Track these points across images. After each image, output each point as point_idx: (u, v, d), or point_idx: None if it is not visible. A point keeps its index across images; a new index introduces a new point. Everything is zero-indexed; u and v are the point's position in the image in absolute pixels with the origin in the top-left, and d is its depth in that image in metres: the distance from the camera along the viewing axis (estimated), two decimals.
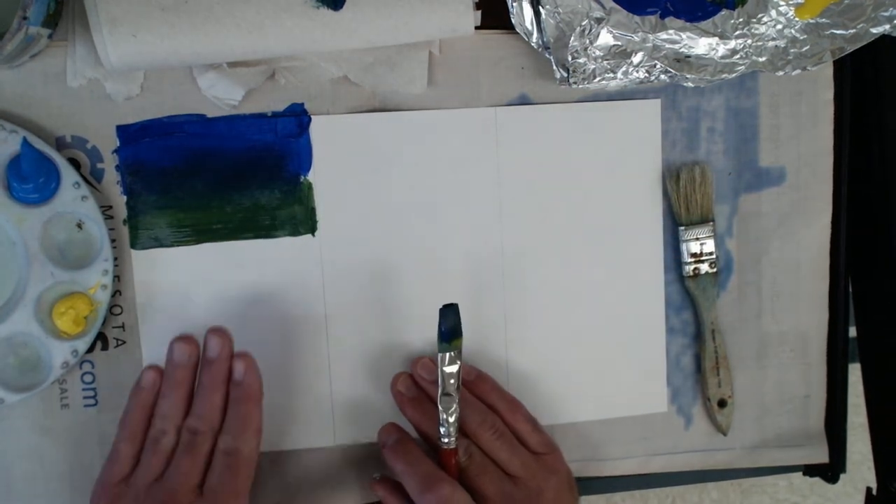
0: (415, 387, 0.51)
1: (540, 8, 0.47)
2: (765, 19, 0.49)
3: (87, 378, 0.50)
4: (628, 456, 0.55)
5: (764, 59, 0.50)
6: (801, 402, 0.57)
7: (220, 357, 0.47)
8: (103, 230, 0.47)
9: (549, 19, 0.48)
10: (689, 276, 0.54)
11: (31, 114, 0.47)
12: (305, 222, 0.50)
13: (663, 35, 0.48)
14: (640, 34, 0.48)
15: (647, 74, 0.49)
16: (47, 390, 0.49)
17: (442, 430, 0.46)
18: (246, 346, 0.50)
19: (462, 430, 0.48)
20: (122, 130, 0.48)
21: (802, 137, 0.54)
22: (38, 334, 0.46)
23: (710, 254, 0.53)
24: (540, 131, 0.52)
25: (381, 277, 0.52)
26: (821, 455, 0.57)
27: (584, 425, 0.55)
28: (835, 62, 0.53)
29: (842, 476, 0.58)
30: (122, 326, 0.50)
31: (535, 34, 0.48)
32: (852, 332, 0.57)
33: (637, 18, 0.48)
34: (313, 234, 0.51)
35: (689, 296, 0.55)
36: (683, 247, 0.53)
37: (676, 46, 0.49)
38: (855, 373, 0.58)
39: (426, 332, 0.52)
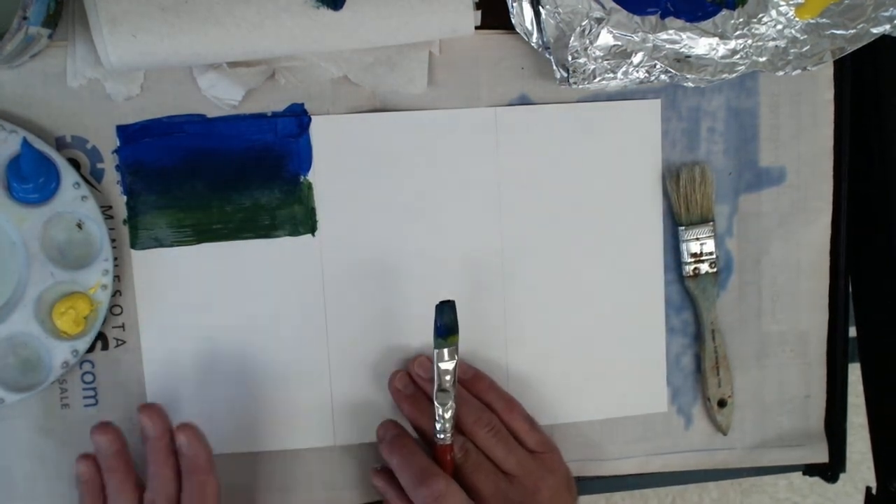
0: (412, 384, 0.51)
1: (540, 8, 0.47)
2: (765, 19, 0.49)
3: (88, 378, 0.50)
4: (628, 456, 0.55)
5: (764, 59, 0.50)
6: (801, 401, 0.57)
7: (157, 434, 0.47)
8: (103, 230, 0.47)
9: (549, 19, 0.48)
10: (689, 276, 0.54)
11: (31, 114, 0.47)
12: (305, 222, 0.50)
13: (663, 35, 0.48)
14: (640, 34, 0.48)
15: (647, 74, 0.49)
16: (47, 390, 0.49)
17: (437, 426, 0.47)
18: (245, 347, 0.51)
19: (458, 427, 0.48)
20: (122, 130, 0.48)
21: (802, 137, 0.54)
22: (38, 334, 0.46)
23: (711, 254, 0.53)
24: (540, 131, 0.52)
25: (380, 277, 0.52)
26: (821, 455, 0.57)
27: (584, 425, 0.55)
28: (835, 62, 0.53)
29: (842, 476, 0.58)
30: (122, 326, 0.50)
31: (535, 34, 0.48)
32: (852, 331, 0.57)
33: (637, 18, 0.48)
34: (313, 234, 0.51)
35: (689, 296, 0.55)
36: (683, 247, 0.53)
37: (676, 46, 0.49)
38: (855, 373, 0.58)
39: (426, 332, 0.52)
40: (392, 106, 0.50)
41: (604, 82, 0.49)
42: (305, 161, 0.50)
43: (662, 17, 0.49)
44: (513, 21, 0.48)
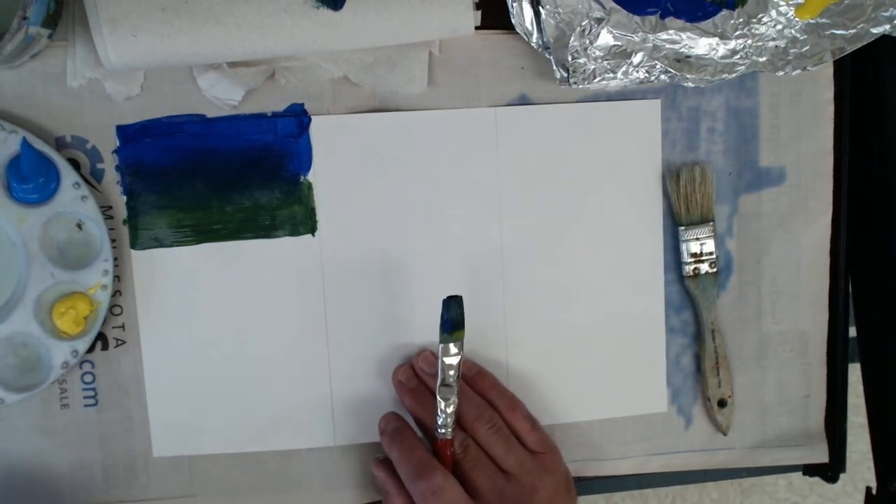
0: (415, 378, 0.51)
1: (540, 8, 0.47)
2: (765, 19, 0.49)
3: (87, 378, 0.50)
4: (628, 456, 0.55)
5: (764, 59, 0.50)
6: (801, 401, 0.57)
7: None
8: (103, 230, 0.47)
9: (549, 19, 0.48)
10: (689, 277, 0.54)
11: (31, 114, 0.47)
12: (305, 222, 0.50)
13: (663, 35, 0.48)
14: (640, 34, 0.48)
15: (647, 75, 0.49)
16: (47, 390, 0.49)
17: (439, 420, 0.47)
18: (245, 347, 0.51)
19: (459, 423, 0.49)
20: (122, 130, 0.48)
21: (803, 137, 0.54)
22: (38, 334, 0.46)
23: (711, 254, 0.53)
24: (540, 131, 0.52)
25: (380, 277, 0.52)
26: (821, 455, 0.57)
27: (584, 425, 0.55)
28: (835, 62, 0.53)
29: (842, 476, 0.58)
30: (122, 326, 0.50)
31: (535, 34, 0.48)
32: (852, 331, 0.57)
33: (637, 18, 0.48)
34: (313, 235, 0.51)
35: (689, 296, 0.55)
36: (683, 247, 0.53)
37: (676, 47, 0.49)
38: (855, 373, 0.58)
39: (426, 332, 0.52)
40: (392, 106, 0.50)
41: (604, 82, 0.49)
42: (305, 161, 0.50)
43: (662, 17, 0.49)
44: (513, 21, 0.48)
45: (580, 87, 0.48)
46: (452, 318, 0.46)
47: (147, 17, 0.43)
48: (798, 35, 0.49)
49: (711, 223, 0.53)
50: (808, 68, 0.50)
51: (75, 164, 0.48)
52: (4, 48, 0.41)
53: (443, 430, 0.47)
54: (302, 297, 0.51)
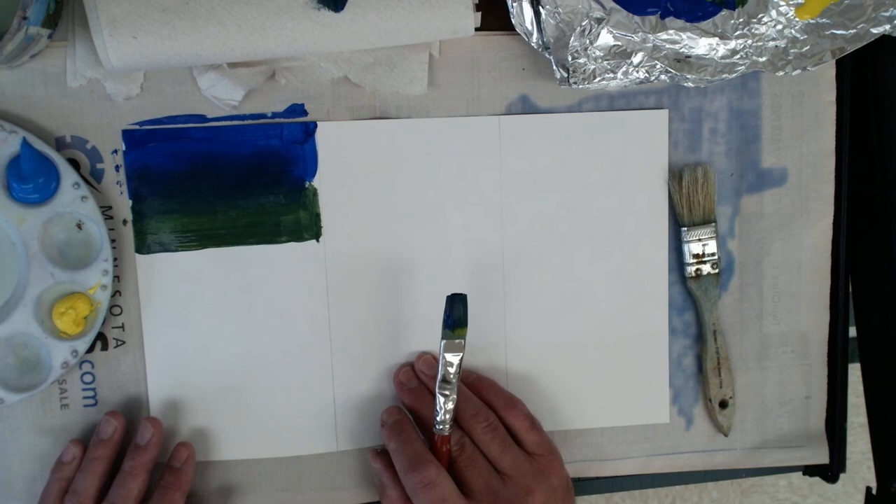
0: (416, 379, 0.51)
1: (540, 8, 0.47)
2: (765, 19, 0.49)
3: (87, 378, 0.50)
4: (629, 456, 0.55)
5: (764, 59, 0.50)
6: (802, 402, 0.57)
7: (148, 445, 0.48)
8: (103, 230, 0.47)
9: (549, 19, 0.48)
10: (691, 277, 0.54)
11: (31, 114, 0.47)
12: (310, 228, 0.50)
13: (663, 35, 0.48)
14: (640, 34, 0.48)
15: (647, 75, 0.49)
16: (47, 390, 0.49)
17: (437, 416, 0.47)
18: (249, 352, 0.51)
19: (457, 421, 0.49)
20: (129, 135, 0.48)
21: (804, 139, 0.54)
22: (38, 334, 0.46)
23: (712, 255, 0.53)
24: (544, 140, 0.52)
25: (384, 283, 0.51)
26: (821, 455, 0.57)
27: (586, 428, 0.55)
28: (837, 64, 0.53)
29: (842, 476, 0.58)
30: (122, 327, 0.50)
31: (535, 34, 0.48)
32: (852, 332, 0.57)
33: (637, 18, 0.48)
34: (318, 240, 0.51)
35: (691, 297, 0.54)
36: (686, 248, 0.53)
37: (676, 47, 0.49)
38: (855, 373, 0.58)
39: (430, 338, 0.52)
40: (392, 107, 0.50)
41: (604, 82, 0.49)
42: (311, 167, 0.50)
43: (662, 17, 0.48)
44: (513, 21, 0.48)
45: (580, 87, 0.48)
46: (455, 315, 0.46)
47: (147, 18, 0.42)
48: (798, 35, 0.49)
49: (713, 224, 0.53)
50: (809, 68, 0.50)
51: (75, 164, 0.48)
52: (4, 48, 0.41)
53: (440, 427, 0.47)
54: (306, 302, 0.51)
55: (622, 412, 0.55)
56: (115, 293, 0.49)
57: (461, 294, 0.47)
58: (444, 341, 0.46)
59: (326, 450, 0.52)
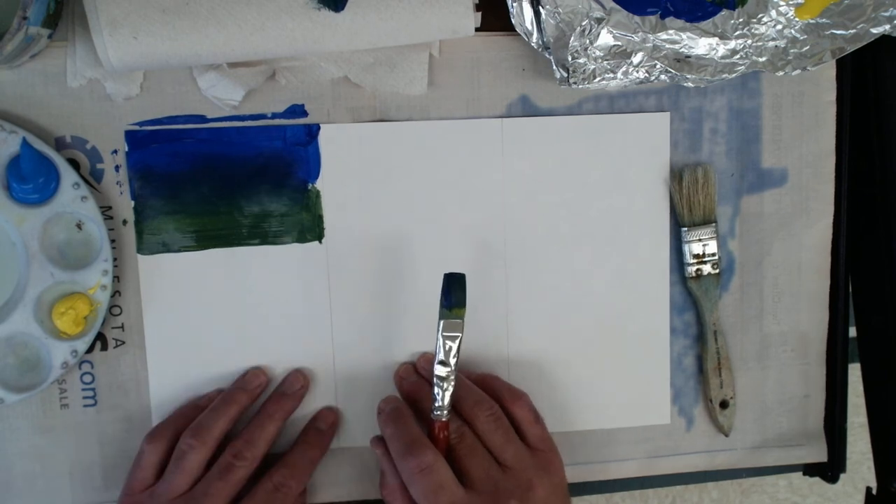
0: (416, 374, 0.51)
1: (540, 8, 0.47)
2: (765, 19, 0.49)
3: (87, 378, 0.50)
4: (630, 458, 0.55)
5: (764, 59, 0.50)
6: (801, 401, 0.57)
7: (294, 394, 0.50)
8: (103, 230, 0.47)
9: (549, 19, 0.48)
10: (692, 278, 0.54)
11: (31, 114, 0.47)
12: (313, 229, 0.50)
13: (663, 35, 0.48)
14: (640, 34, 0.48)
15: (647, 75, 0.49)
16: (47, 390, 0.49)
17: (435, 401, 0.45)
18: (250, 353, 0.51)
19: (458, 411, 0.48)
20: (131, 136, 0.48)
21: (804, 139, 0.54)
22: (38, 334, 0.46)
23: (713, 255, 0.53)
24: (546, 142, 0.52)
25: (386, 284, 0.51)
26: (820, 454, 0.57)
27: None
28: (837, 64, 0.53)
29: (842, 476, 0.58)
30: (122, 327, 0.50)
31: (535, 34, 0.48)
32: (852, 332, 0.57)
33: (637, 18, 0.48)
34: (320, 241, 0.51)
35: (692, 297, 0.54)
36: (686, 248, 0.53)
37: (676, 46, 0.49)
38: (855, 373, 0.58)
39: (432, 339, 0.52)
40: (392, 107, 0.50)
41: (604, 82, 0.49)
42: (314, 169, 0.50)
43: (662, 17, 0.48)
44: (513, 21, 0.48)
45: (580, 87, 0.48)
46: (454, 294, 0.45)
47: (148, 18, 0.42)
48: (798, 35, 0.49)
49: (714, 224, 0.53)
50: (808, 68, 0.50)
51: (75, 165, 0.48)
52: (4, 48, 0.41)
53: (438, 413, 0.46)
54: (308, 303, 0.51)
55: (623, 413, 0.55)
56: (115, 293, 0.49)
57: (459, 273, 0.45)
58: (441, 321, 0.45)
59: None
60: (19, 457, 0.50)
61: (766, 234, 0.55)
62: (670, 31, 0.48)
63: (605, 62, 0.48)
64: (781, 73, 0.50)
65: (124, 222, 0.49)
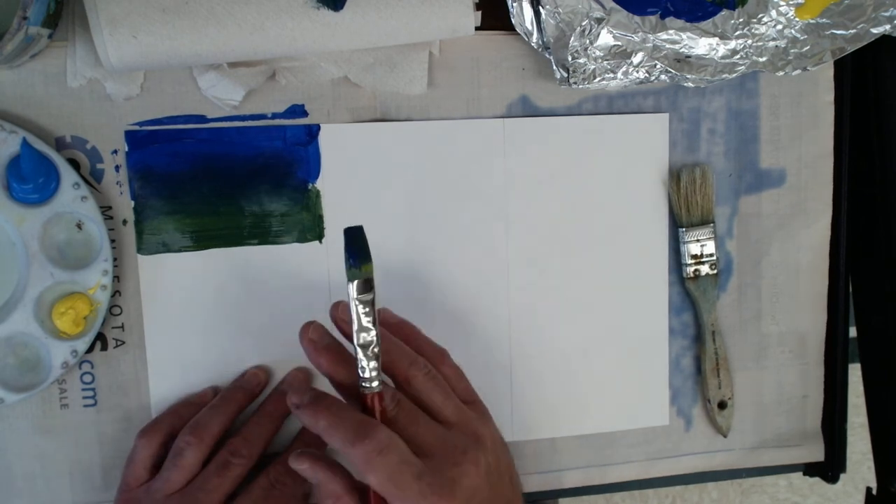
0: (329, 335, 0.44)
1: (540, 8, 0.47)
2: (765, 19, 0.49)
3: (87, 378, 0.50)
4: (630, 460, 0.55)
5: (764, 59, 0.50)
6: (799, 401, 0.57)
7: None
8: (103, 230, 0.47)
9: (549, 19, 0.48)
10: (690, 278, 0.54)
11: (31, 114, 0.47)
12: (313, 229, 0.50)
13: (663, 35, 0.48)
14: (640, 34, 0.48)
15: (647, 75, 0.49)
16: (47, 390, 0.49)
17: (363, 372, 0.40)
18: (251, 353, 0.51)
19: (390, 375, 0.43)
20: (131, 136, 0.48)
21: (803, 139, 0.54)
22: (38, 334, 0.46)
23: (711, 255, 0.53)
24: (547, 143, 0.52)
25: (386, 285, 0.51)
26: (818, 454, 0.57)
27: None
28: (836, 64, 0.53)
29: (842, 476, 0.58)
30: (122, 327, 0.50)
31: (536, 34, 0.48)
32: (852, 332, 0.57)
33: (637, 18, 0.48)
34: (320, 241, 0.51)
35: (690, 297, 0.54)
36: (684, 248, 0.53)
37: (677, 47, 0.49)
38: (855, 373, 0.58)
39: (433, 339, 0.52)
40: (392, 107, 0.50)
41: (604, 82, 0.49)
42: (314, 169, 0.50)
43: (662, 17, 0.49)
44: (513, 21, 0.48)
45: (580, 87, 0.48)
46: (358, 249, 0.40)
47: (147, 18, 0.42)
48: (798, 35, 0.49)
49: (712, 225, 0.53)
50: (809, 68, 0.50)
51: (75, 165, 0.48)
52: (4, 48, 0.41)
53: (368, 384, 0.40)
54: (308, 302, 0.51)
55: (622, 415, 0.55)
56: (115, 293, 0.49)
57: (356, 226, 0.41)
58: (351, 283, 0.39)
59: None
60: (19, 457, 0.50)
61: (765, 234, 0.55)
62: (670, 31, 0.48)
63: (605, 62, 0.48)
64: (781, 74, 0.50)
65: (124, 222, 0.49)
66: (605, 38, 0.48)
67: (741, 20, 0.49)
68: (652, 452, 0.56)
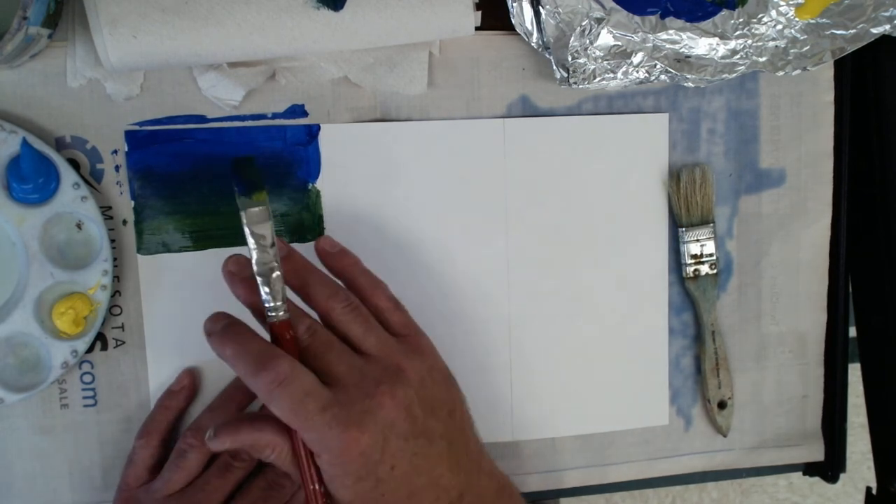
0: (250, 268, 0.41)
1: (540, 8, 0.47)
2: (765, 19, 0.49)
3: (87, 378, 0.50)
4: (630, 460, 0.55)
5: (764, 59, 0.50)
6: (799, 401, 0.57)
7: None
8: (103, 230, 0.47)
9: (549, 19, 0.48)
10: (690, 278, 0.54)
11: (31, 114, 0.47)
12: (313, 229, 0.50)
13: (663, 35, 0.48)
14: (640, 34, 0.48)
15: (647, 75, 0.49)
16: (47, 390, 0.49)
17: (266, 301, 0.39)
18: None
19: (311, 305, 0.43)
20: (131, 136, 0.48)
21: (803, 139, 0.54)
22: (38, 334, 0.46)
23: (711, 255, 0.53)
24: (547, 143, 0.52)
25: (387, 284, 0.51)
26: (817, 453, 0.57)
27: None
28: (836, 64, 0.53)
29: (842, 476, 0.58)
30: (122, 327, 0.50)
31: (536, 34, 0.48)
32: (852, 332, 0.57)
33: (637, 18, 0.48)
34: None
35: (690, 297, 0.54)
36: (684, 248, 0.53)
37: (677, 47, 0.49)
38: (855, 373, 0.58)
39: (433, 339, 0.52)
40: (392, 107, 0.50)
41: (604, 82, 0.49)
42: (314, 169, 0.50)
43: (662, 17, 0.49)
44: (513, 21, 0.48)
45: (580, 87, 0.48)
46: (247, 178, 0.40)
47: (147, 17, 0.42)
48: (798, 35, 0.49)
49: (712, 224, 0.53)
50: (808, 68, 0.50)
51: (75, 165, 0.48)
52: (4, 48, 0.41)
53: (274, 313, 0.39)
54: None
55: (622, 415, 0.55)
56: (115, 293, 0.49)
57: (246, 157, 0.41)
58: (244, 212, 0.39)
59: None
60: (19, 457, 0.50)
61: (765, 234, 0.55)
62: (670, 31, 0.48)
63: (605, 62, 0.48)
64: (781, 73, 0.50)
65: (124, 222, 0.49)
66: (605, 38, 0.48)
67: (741, 20, 0.49)
68: (652, 452, 0.56)
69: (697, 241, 0.53)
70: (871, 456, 0.57)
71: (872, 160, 0.54)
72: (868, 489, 0.57)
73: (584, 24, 0.47)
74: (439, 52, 0.50)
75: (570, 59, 0.48)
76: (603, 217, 0.53)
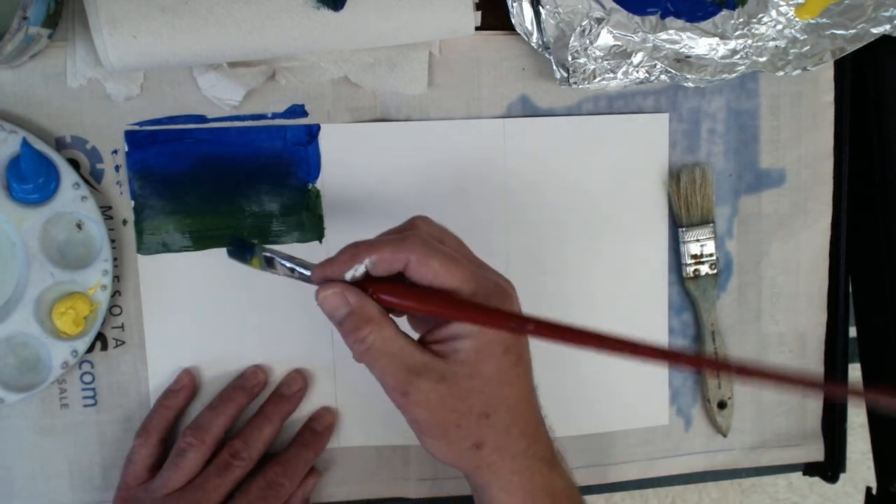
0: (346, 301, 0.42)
1: (540, 8, 0.47)
2: (765, 19, 0.49)
3: (87, 378, 0.50)
4: (630, 460, 0.55)
5: (764, 59, 0.50)
6: (799, 402, 0.57)
7: (292, 396, 0.50)
8: (103, 230, 0.47)
9: (549, 19, 0.48)
10: (690, 278, 0.54)
11: (31, 114, 0.47)
12: (313, 229, 0.50)
13: (663, 35, 0.48)
14: (640, 34, 0.48)
15: (647, 75, 0.49)
16: (47, 390, 0.49)
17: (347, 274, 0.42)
18: (251, 352, 0.51)
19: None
20: (131, 136, 0.48)
21: (803, 139, 0.54)
22: (38, 334, 0.46)
23: (711, 255, 0.53)
24: (547, 143, 0.52)
25: None
26: (817, 453, 0.57)
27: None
28: (836, 64, 0.53)
29: (842, 476, 0.58)
30: (122, 327, 0.50)
31: (535, 34, 0.48)
32: (852, 332, 0.57)
33: (637, 18, 0.48)
34: (320, 241, 0.51)
35: (690, 297, 0.54)
36: (684, 248, 0.53)
37: (677, 47, 0.49)
38: (855, 373, 0.58)
39: None
40: (392, 107, 0.50)
41: (604, 82, 0.49)
42: (314, 169, 0.50)
43: (662, 17, 0.49)
44: (513, 21, 0.48)
45: (580, 87, 0.48)
46: (242, 258, 0.43)
47: (147, 17, 0.42)
48: (798, 35, 0.49)
49: (712, 224, 0.53)
50: (809, 68, 0.50)
51: (75, 165, 0.48)
52: (4, 48, 0.41)
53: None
54: (308, 303, 0.51)
55: (622, 415, 0.55)
56: (115, 293, 0.49)
57: (229, 248, 0.43)
58: (261, 270, 0.42)
59: (328, 446, 0.52)
60: (19, 457, 0.50)
61: (765, 234, 0.55)
62: (670, 31, 0.48)
63: (605, 62, 0.48)
64: (781, 73, 0.50)
65: (124, 222, 0.49)
66: (605, 38, 0.48)
67: (741, 20, 0.49)
68: (652, 452, 0.56)
69: (697, 241, 0.53)
70: (871, 456, 0.57)
71: (872, 160, 0.54)
72: (868, 489, 0.57)
73: (584, 24, 0.47)
74: (439, 52, 0.50)
75: (570, 59, 0.48)
76: (603, 217, 0.53)
